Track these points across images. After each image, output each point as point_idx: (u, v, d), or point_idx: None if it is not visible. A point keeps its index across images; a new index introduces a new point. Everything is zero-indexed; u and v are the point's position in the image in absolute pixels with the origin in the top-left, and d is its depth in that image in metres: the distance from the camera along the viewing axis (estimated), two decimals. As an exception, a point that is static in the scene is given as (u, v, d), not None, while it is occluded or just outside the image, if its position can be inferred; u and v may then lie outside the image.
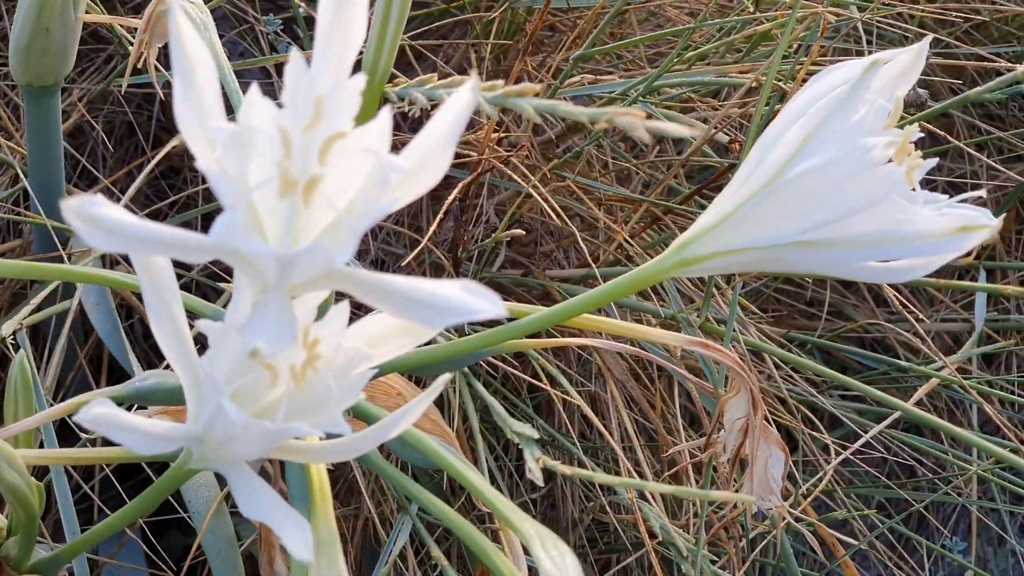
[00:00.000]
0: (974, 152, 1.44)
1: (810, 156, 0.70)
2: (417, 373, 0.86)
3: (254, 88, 0.52)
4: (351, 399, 0.62)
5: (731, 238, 0.73)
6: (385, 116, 0.53)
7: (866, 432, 1.13)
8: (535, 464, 0.70)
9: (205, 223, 1.59)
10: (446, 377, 0.61)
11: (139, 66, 1.09)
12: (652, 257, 1.18)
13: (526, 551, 0.72)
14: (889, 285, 1.74)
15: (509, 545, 0.75)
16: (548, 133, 1.33)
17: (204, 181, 1.65)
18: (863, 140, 0.68)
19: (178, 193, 1.62)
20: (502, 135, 1.17)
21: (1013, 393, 1.60)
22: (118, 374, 1.47)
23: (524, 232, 1.05)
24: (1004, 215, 0.70)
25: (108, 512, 1.20)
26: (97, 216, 0.48)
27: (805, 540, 1.04)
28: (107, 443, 0.62)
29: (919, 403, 1.55)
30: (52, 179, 1.18)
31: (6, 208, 1.31)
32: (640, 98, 1.12)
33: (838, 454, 1.09)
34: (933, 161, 0.72)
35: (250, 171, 0.54)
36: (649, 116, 1.09)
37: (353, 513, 1.22)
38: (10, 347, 1.18)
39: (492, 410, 0.78)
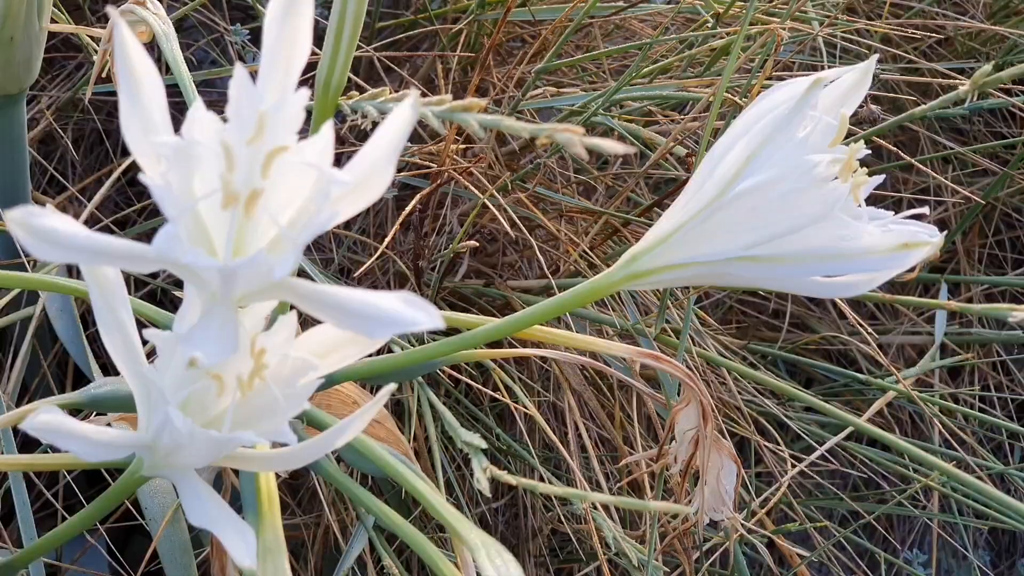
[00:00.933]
0: (933, 172, 1.45)
1: (755, 173, 0.71)
2: (371, 382, 0.87)
3: (198, 103, 0.53)
4: (297, 409, 0.63)
5: (678, 252, 0.74)
6: (327, 131, 0.53)
7: (824, 444, 1.14)
8: (482, 475, 0.70)
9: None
10: (391, 387, 0.61)
11: (104, 76, 1.10)
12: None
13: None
14: (850, 299, 1.76)
15: (460, 555, 0.76)
16: (512, 144, 1.34)
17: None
18: (808, 157, 0.69)
19: (147, 200, 1.63)
20: (465, 147, 1.18)
21: (974, 407, 1.62)
22: (84, 381, 1.47)
23: (482, 243, 1.06)
24: (946, 232, 0.71)
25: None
26: (40, 227, 0.49)
27: (761, 552, 1.05)
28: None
29: (882, 415, 1.57)
30: (17, 187, 1.18)
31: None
32: (601, 111, 1.13)
33: (795, 466, 1.10)
34: (879, 179, 0.73)
35: (196, 184, 0.55)
36: (604, 131, 1.10)
37: (315, 521, 1.23)
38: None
39: (443, 419, 0.79)
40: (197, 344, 0.52)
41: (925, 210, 0.75)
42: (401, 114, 0.52)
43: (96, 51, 1.30)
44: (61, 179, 1.56)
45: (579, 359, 0.87)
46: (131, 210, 1.57)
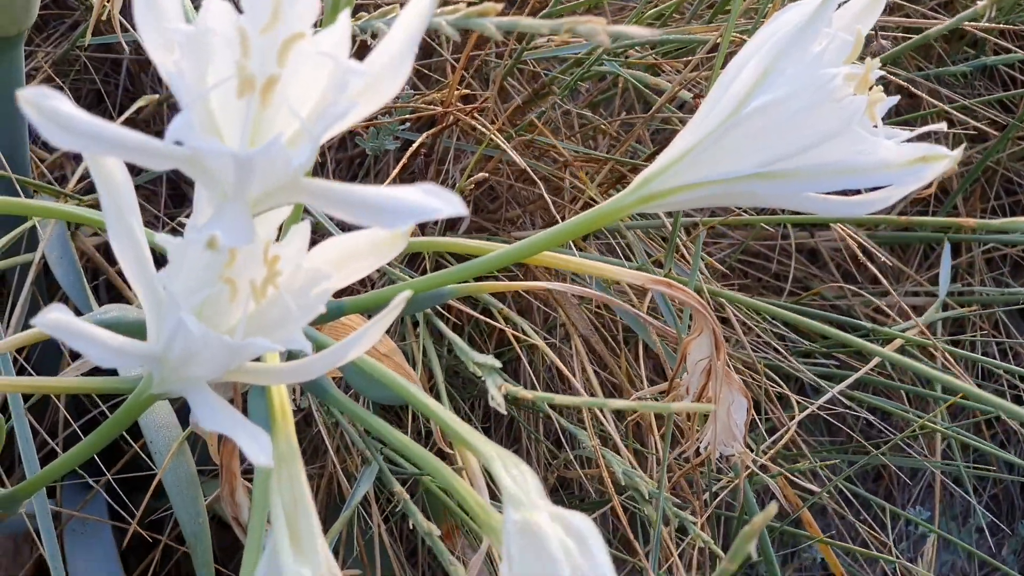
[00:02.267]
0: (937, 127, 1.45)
1: (769, 89, 0.70)
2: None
3: (210, -11, 0.52)
4: (310, 316, 0.62)
5: (692, 173, 0.74)
6: (344, 21, 0.53)
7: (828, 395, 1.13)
8: (497, 391, 0.70)
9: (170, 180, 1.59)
10: (407, 294, 0.61)
11: (105, 21, 1.09)
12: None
13: (488, 480, 0.73)
14: (854, 260, 1.75)
15: (470, 474, 0.76)
16: (515, 100, 1.34)
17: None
18: (824, 71, 0.69)
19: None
20: (468, 94, 1.18)
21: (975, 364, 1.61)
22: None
23: (483, 201, 1.05)
24: (963, 146, 0.71)
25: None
26: (53, 109, 0.48)
27: (767, 495, 1.05)
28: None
29: (884, 374, 1.57)
30: (15, 133, 1.17)
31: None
32: (605, 58, 1.13)
33: (803, 412, 1.10)
34: (895, 99, 0.72)
35: (208, 77, 0.54)
36: (610, 80, 1.09)
37: (318, 472, 1.22)
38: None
39: (454, 344, 0.78)
40: (216, 226, 0.51)
41: (942, 125, 0.75)
42: (418, 5, 0.52)
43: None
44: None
45: (590, 292, 0.86)
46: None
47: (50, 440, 1.20)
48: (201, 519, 0.83)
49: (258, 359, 0.69)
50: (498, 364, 0.70)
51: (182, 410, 0.98)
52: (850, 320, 1.19)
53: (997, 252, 1.93)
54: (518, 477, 0.63)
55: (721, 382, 0.86)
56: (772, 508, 0.52)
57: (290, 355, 0.75)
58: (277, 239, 0.63)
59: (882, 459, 1.39)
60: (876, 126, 0.71)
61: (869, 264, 1.26)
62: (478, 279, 0.85)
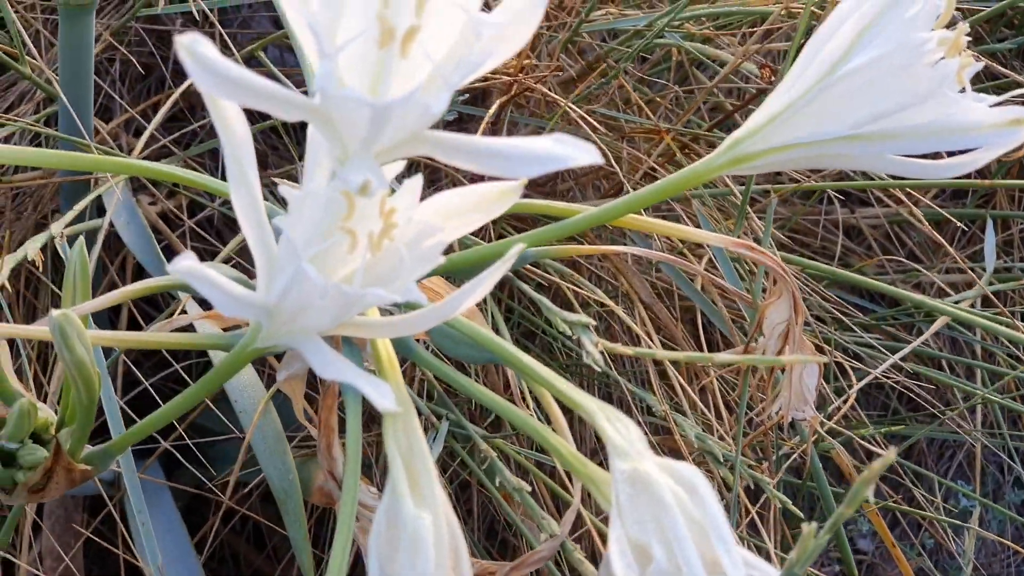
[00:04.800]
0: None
1: (864, 51, 0.71)
2: (461, 275, 0.87)
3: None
4: (424, 269, 0.63)
5: (783, 134, 0.75)
6: (477, -27, 0.54)
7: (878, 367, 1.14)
8: (593, 347, 0.71)
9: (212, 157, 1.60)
10: (520, 247, 0.62)
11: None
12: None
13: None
14: (896, 239, 1.77)
15: (558, 429, 0.77)
16: (569, 72, 1.34)
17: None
18: (917, 34, 0.70)
19: (191, 135, 1.63)
20: (526, 63, 1.19)
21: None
22: (151, 312, 1.48)
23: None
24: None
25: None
26: (203, 55, 0.49)
27: (826, 463, 1.06)
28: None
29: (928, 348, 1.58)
30: (81, 101, 1.18)
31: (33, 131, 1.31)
32: (666, 31, 1.13)
33: (858, 382, 1.11)
34: (981, 63, 0.73)
35: (339, 34, 0.55)
36: (665, 54, 1.09)
37: (376, 439, 1.24)
38: (34, 270, 1.19)
39: (541, 305, 0.79)
40: (352, 173, 0.53)
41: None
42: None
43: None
44: (112, 104, 1.56)
45: (667, 257, 0.88)
46: (168, 139, 1.57)
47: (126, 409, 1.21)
48: (291, 476, 0.85)
49: (362, 313, 0.70)
50: (592, 322, 0.71)
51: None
52: (899, 291, 1.20)
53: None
54: (622, 429, 0.64)
55: (798, 344, 0.88)
56: (891, 454, 0.53)
57: (382, 312, 0.76)
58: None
59: (931, 431, 1.40)
60: (963, 90, 0.72)
61: (907, 241, 1.27)
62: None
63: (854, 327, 1.34)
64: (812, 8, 1.11)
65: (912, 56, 0.70)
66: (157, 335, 0.74)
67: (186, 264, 0.57)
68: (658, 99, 1.31)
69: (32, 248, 0.91)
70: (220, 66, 0.50)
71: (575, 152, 0.51)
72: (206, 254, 1.47)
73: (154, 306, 1.54)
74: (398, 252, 0.62)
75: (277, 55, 1.76)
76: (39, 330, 0.71)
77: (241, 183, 0.62)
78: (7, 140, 1.34)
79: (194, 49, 0.49)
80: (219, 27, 1.40)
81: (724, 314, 1.09)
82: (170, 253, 1.34)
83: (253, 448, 0.86)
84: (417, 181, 0.63)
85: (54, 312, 0.65)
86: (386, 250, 0.63)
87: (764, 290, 1.02)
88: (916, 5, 0.71)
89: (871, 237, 1.74)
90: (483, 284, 0.63)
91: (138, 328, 1.34)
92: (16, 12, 1.38)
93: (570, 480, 1.06)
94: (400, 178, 0.66)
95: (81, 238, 0.76)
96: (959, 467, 1.88)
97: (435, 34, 0.55)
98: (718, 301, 1.12)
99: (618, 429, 0.64)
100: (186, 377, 1.31)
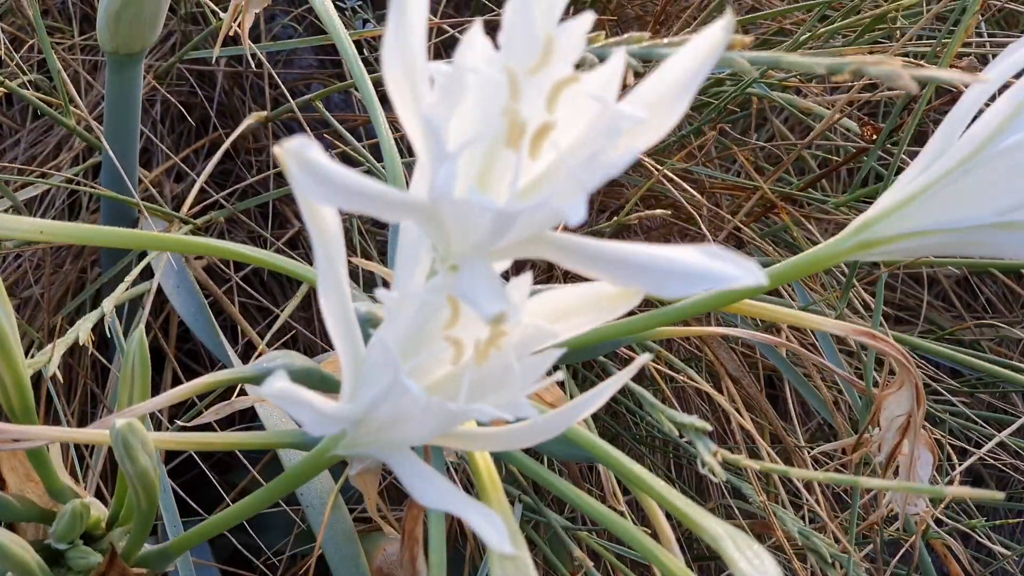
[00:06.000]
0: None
1: (1018, 131, 0.65)
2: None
3: (476, 25, 0.47)
4: (534, 379, 0.57)
5: (920, 219, 0.69)
6: (618, 60, 0.48)
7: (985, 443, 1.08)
8: (711, 458, 0.65)
9: (260, 211, 1.54)
10: (646, 357, 0.56)
11: (232, 36, 1.05)
12: (764, 246, 1.14)
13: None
14: (974, 288, 1.70)
15: (665, 543, 0.71)
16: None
17: (259, 168, 1.61)
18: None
19: (235, 179, 1.58)
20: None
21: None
22: (201, 357, 1.43)
23: (664, 214, 0.99)
24: None
25: (201, 512, 1.16)
26: (313, 162, 0.44)
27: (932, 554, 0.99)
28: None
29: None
30: (127, 153, 1.13)
31: (74, 181, 1.26)
32: (757, 80, 1.07)
33: (961, 463, 1.04)
34: None
35: (453, 122, 0.49)
36: (743, 101, 1.03)
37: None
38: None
39: (643, 400, 0.73)
40: (468, 291, 0.47)
41: None
42: (711, 38, 0.47)
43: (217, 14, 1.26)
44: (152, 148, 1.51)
45: (774, 340, 0.82)
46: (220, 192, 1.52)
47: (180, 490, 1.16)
48: (364, 577, 0.79)
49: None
50: (707, 427, 0.65)
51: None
52: (1007, 362, 1.14)
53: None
54: (754, 559, 0.58)
55: (917, 439, 0.81)
56: None
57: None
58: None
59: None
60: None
61: (985, 290, 1.21)
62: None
63: (943, 391, 1.27)
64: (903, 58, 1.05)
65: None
66: (227, 436, 0.68)
67: (279, 386, 0.51)
68: (740, 152, 1.25)
69: (84, 329, 0.86)
70: (331, 174, 0.44)
71: (735, 271, 0.45)
72: (253, 309, 1.42)
73: (194, 359, 1.49)
74: (507, 361, 0.57)
75: (320, 90, 1.71)
76: (97, 433, 0.65)
77: (332, 286, 0.57)
78: (45, 195, 1.30)
79: (303, 156, 0.43)
80: (267, 65, 1.34)
81: (826, 395, 1.03)
82: (216, 310, 1.28)
83: (324, 547, 0.80)
84: (527, 280, 0.57)
85: (118, 422, 0.60)
86: (491, 357, 0.57)
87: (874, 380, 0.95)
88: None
89: (947, 286, 1.67)
90: (603, 395, 0.57)
91: (178, 382, 1.29)
92: (56, 53, 1.33)
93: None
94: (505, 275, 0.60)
95: (141, 328, 0.70)
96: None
97: (564, 124, 0.49)
98: (813, 374, 1.06)
99: (750, 559, 0.58)
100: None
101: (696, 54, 0.48)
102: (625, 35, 0.66)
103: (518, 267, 1.13)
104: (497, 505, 0.59)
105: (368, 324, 0.70)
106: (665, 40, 0.61)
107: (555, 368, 0.58)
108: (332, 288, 0.57)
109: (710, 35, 0.47)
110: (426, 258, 0.56)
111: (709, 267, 0.46)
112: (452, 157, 0.45)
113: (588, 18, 0.48)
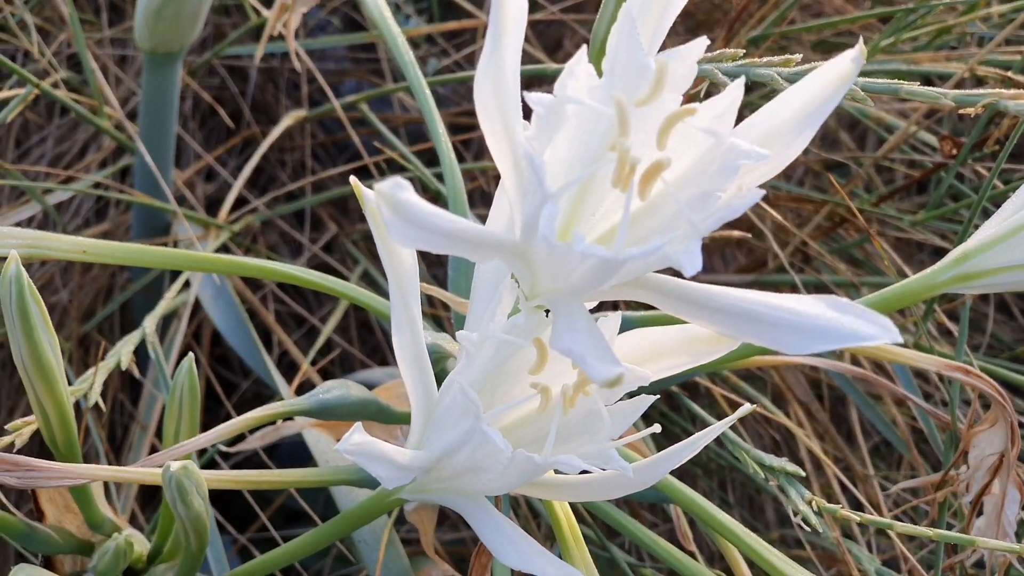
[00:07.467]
0: None
1: None
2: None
3: (581, 53, 0.44)
4: (622, 427, 0.54)
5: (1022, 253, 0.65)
6: (737, 90, 0.45)
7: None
8: (805, 506, 0.61)
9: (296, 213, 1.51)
10: (747, 408, 0.53)
11: (276, 35, 1.02)
12: (835, 263, 1.10)
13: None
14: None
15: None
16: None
17: (292, 167, 1.57)
18: None
19: (267, 177, 1.55)
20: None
21: None
22: (224, 374, 1.39)
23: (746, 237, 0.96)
24: None
25: (230, 528, 1.13)
26: (407, 204, 0.40)
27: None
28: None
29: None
30: (162, 154, 1.10)
31: (104, 185, 1.23)
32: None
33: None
34: None
35: (547, 154, 0.46)
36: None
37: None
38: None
39: (727, 441, 0.70)
40: (572, 346, 0.43)
41: None
42: (839, 67, 0.43)
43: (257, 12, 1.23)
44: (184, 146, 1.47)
45: (855, 371, 0.78)
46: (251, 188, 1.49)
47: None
48: (422, 625, 0.76)
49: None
50: (800, 472, 0.62)
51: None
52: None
53: None
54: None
55: (1009, 479, 0.78)
56: None
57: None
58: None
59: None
60: None
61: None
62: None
63: None
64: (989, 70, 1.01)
65: None
66: (284, 475, 0.65)
67: (358, 440, 0.48)
68: (805, 162, 1.21)
69: (125, 353, 0.83)
70: (425, 217, 0.41)
71: (869, 329, 0.42)
72: (287, 316, 1.39)
73: (225, 365, 1.46)
74: (595, 407, 0.53)
75: (354, 86, 1.67)
76: (148, 473, 0.62)
77: (405, 325, 0.54)
78: (72, 199, 1.27)
79: (396, 198, 0.40)
80: (307, 60, 1.31)
81: (904, 432, 0.99)
82: (254, 318, 1.25)
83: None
84: (615, 321, 0.54)
85: (173, 466, 0.56)
86: (580, 403, 0.54)
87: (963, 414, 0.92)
88: None
89: (1010, 301, 1.63)
90: (696, 445, 0.54)
91: (214, 397, 1.26)
92: (88, 48, 1.30)
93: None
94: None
95: (190, 357, 0.67)
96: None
97: (672, 157, 0.46)
98: (885, 397, 1.02)
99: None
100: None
101: (822, 86, 0.44)
102: (718, 52, 0.62)
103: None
104: (582, 564, 0.56)
105: (432, 353, 0.67)
106: (780, 64, 0.58)
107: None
108: (406, 326, 0.54)
109: (838, 66, 0.44)
110: (508, 297, 0.52)
111: (839, 323, 0.42)
112: (554, 197, 0.42)
113: (701, 43, 0.45)
